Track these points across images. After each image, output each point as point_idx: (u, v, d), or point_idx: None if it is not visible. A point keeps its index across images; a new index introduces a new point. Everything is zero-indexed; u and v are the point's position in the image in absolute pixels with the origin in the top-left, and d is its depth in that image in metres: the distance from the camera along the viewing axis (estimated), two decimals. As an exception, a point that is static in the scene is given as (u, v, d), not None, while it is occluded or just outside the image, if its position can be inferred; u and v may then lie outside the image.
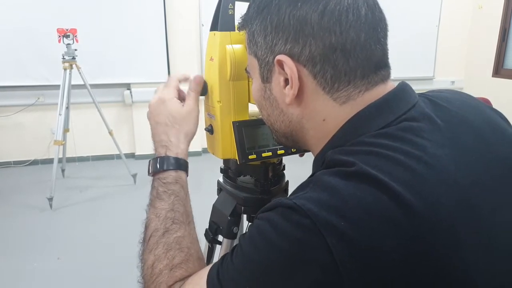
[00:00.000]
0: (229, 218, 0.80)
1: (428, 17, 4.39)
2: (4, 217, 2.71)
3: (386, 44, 0.49)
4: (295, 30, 0.46)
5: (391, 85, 0.50)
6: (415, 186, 0.40)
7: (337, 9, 0.45)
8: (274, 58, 0.49)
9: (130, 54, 3.66)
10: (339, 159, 0.44)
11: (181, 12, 3.76)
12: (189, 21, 3.80)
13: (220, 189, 0.85)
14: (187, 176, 0.66)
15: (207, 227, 0.85)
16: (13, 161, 3.76)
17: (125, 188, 3.22)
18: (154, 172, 0.64)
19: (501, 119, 0.55)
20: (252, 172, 0.78)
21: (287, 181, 0.84)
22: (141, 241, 0.60)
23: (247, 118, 0.73)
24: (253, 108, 0.70)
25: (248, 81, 0.71)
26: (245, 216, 0.82)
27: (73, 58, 2.92)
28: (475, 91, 3.55)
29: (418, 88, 0.68)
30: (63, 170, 3.41)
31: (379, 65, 0.48)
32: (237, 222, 0.81)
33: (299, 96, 0.49)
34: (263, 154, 0.72)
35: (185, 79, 0.72)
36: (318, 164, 0.50)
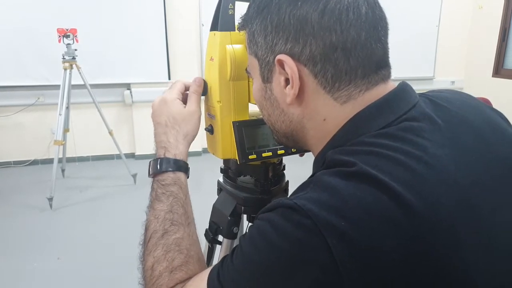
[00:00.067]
0: (229, 218, 0.80)
1: (428, 17, 4.39)
2: (4, 217, 2.71)
3: (386, 43, 0.49)
4: (296, 29, 0.46)
5: (391, 85, 0.50)
6: (415, 186, 0.40)
7: (337, 8, 0.45)
8: (274, 58, 0.49)
9: (130, 54, 3.66)
10: (340, 159, 0.44)
11: (181, 12, 3.76)
12: (189, 21, 3.80)
13: (220, 189, 0.85)
14: (187, 177, 0.65)
15: (207, 227, 0.85)
16: (13, 161, 3.76)
17: (125, 188, 3.22)
18: (154, 174, 0.64)
19: (501, 119, 0.55)
20: (252, 172, 0.78)
21: (287, 181, 0.84)
22: (141, 243, 0.60)
23: (247, 118, 0.73)
24: (253, 108, 0.70)
25: (248, 81, 0.71)
26: (245, 216, 0.82)
27: (73, 58, 2.91)
28: (475, 91, 3.54)
29: (418, 88, 0.68)
30: (63, 170, 3.41)
31: (379, 65, 0.48)
32: (237, 222, 0.81)
33: (300, 95, 0.49)
34: (263, 154, 0.72)
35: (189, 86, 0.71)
36: (319, 164, 0.50)
